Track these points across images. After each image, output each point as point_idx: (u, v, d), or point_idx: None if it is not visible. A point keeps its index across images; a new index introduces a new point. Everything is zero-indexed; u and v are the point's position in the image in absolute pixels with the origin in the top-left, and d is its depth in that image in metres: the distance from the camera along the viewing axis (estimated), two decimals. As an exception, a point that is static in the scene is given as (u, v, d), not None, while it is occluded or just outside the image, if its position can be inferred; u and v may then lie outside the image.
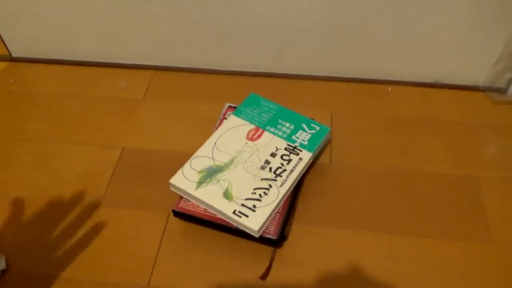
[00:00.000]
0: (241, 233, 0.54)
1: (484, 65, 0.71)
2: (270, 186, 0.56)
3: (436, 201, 0.60)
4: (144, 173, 0.64)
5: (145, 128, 0.70)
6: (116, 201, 0.61)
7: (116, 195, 0.61)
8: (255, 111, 0.65)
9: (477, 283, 0.52)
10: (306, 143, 0.61)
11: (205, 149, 0.60)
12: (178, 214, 0.57)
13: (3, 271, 0.54)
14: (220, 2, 0.69)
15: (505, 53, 0.68)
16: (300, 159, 0.59)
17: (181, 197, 0.58)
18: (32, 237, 0.57)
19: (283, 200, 0.56)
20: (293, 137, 0.62)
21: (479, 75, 0.72)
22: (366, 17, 0.68)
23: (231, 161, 0.59)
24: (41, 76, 0.79)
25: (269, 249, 0.55)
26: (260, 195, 0.55)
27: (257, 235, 0.53)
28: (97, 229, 0.58)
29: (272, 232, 0.54)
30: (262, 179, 0.57)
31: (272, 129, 0.63)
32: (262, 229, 0.54)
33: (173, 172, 0.58)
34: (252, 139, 0.62)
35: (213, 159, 0.59)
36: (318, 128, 0.63)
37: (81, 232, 0.57)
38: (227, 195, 0.55)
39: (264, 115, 0.65)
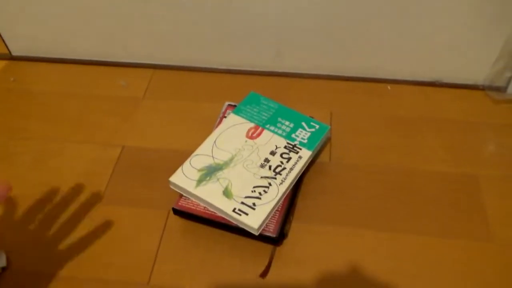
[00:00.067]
0: (241, 231, 0.54)
1: (483, 64, 0.71)
2: (270, 184, 0.56)
3: (436, 200, 0.60)
4: (144, 172, 0.64)
5: (145, 127, 0.70)
6: (116, 199, 0.61)
7: (116, 194, 0.61)
8: (255, 109, 0.66)
9: (477, 281, 0.52)
10: (305, 141, 0.61)
11: (205, 147, 0.60)
12: (178, 212, 0.57)
13: (4, 268, 0.54)
14: (220, 2, 0.69)
15: (504, 52, 0.68)
16: (300, 157, 0.59)
17: (181, 195, 0.58)
18: (32, 235, 0.57)
19: (283, 198, 0.56)
20: (293, 136, 0.62)
21: (479, 74, 0.72)
22: (366, 17, 0.68)
23: (231, 159, 0.59)
24: (41, 75, 0.79)
25: (268, 247, 0.55)
26: (259, 193, 0.55)
27: (256, 233, 0.53)
28: (97, 227, 0.58)
29: (271, 230, 0.54)
30: (261, 177, 0.57)
31: (272, 128, 0.63)
32: (262, 227, 0.54)
33: (173, 170, 0.58)
34: (251, 138, 0.62)
35: (213, 157, 0.59)
36: (317, 126, 0.64)
37: (81, 231, 0.57)
38: (226, 193, 0.55)
39: (263, 113, 0.65)
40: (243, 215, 0.53)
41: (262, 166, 0.58)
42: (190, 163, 0.58)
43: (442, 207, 0.59)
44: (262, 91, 0.69)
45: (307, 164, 0.60)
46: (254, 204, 0.54)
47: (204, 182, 0.56)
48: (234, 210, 0.54)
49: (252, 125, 0.63)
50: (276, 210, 0.56)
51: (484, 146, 0.66)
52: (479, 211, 0.58)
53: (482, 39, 0.68)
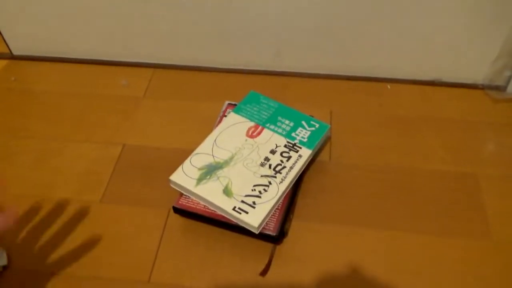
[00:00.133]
0: (241, 230, 0.55)
1: (483, 63, 0.71)
2: (270, 183, 0.57)
3: (436, 199, 0.60)
4: (145, 170, 0.64)
5: (146, 126, 0.70)
6: (117, 198, 0.61)
7: (117, 192, 0.62)
8: (255, 108, 0.66)
9: (476, 280, 0.52)
10: (305, 140, 0.62)
11: (205, 146, 0.61)
12: (178, 210, 0.57)
13: (5, 267, 0.54)
14: (220, 2, 0.70)
15: (503, 51, 0.68)
16: (300, 156, 0.60)
17: (181, 194, 0.58)
18: (33, 234, 0.57)
19: (283, 197, 0.57)
20: (293, 134, 0.62)
21: (478, 73, 0.73)
22: (366, 17, 0.68)
23: (231, 158, 0.59)
24: (42, 74, 0.79)
25: (269, 246, 0.55)
26: (259, 191, 0.56)
27: (256, 232, 0.53)
28: (98, 225, 0.58)
29: (271, 229, 0.54)
30: (261, 176, 0.57)
31: (272, 127, 0.63)
32: (262, 226, 0.54)
33: (173, 169, 0.58)
34: (252, 136, 0.62)
35: (213, 156, 0.59)
36: (317, 125, 0.64)
37: (81, 229, 0.58)
38: (227, 191, 0.56)
39: (264, 112, 0.65)
40: (243, 213, 0.53)
41: (262, 164, 0.59)
42: (190, 162, 0.59)
43: (441, 206, 0.59)
44: (262, 90, 0.69)
45: (307, 163, 0.60)
46: (254, 202, 0.54)
47: (204, 181, 0.57)
48: (234, 209, 0.54)
49: (252, 124, 0.64)
50: (276, 209, 0.56)
51: (483, 145, 0.66)
52: (478, 210, 0.58)
53: (481, 38, 0.68)
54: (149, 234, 0.57)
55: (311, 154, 0.61)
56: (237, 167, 0.58)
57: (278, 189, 0.56)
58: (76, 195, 0.61)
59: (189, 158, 0.59)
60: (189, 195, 0.57)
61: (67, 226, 0.58)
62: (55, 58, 0.81)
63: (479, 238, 0.56)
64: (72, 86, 0.77)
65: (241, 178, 0.57)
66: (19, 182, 0.63)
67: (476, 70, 0.72)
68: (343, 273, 0.53)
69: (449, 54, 0.71)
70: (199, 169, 0.58)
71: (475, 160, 0.64)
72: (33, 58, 0.82)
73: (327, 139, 0.67)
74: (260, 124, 0.63)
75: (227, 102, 0.69)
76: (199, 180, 0.57)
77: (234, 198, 0.55)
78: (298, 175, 0.59)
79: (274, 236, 0.54)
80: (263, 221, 0.53)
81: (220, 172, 0.57)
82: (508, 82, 0.71)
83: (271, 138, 0.62)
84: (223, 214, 0.55)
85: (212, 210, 0.56)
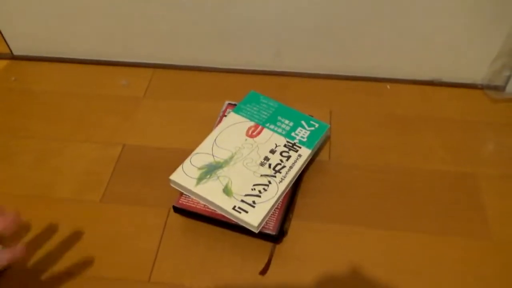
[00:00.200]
0: (241, 229, 0.55)
1: (482, 63, 0.71)
2: (270, 182, 0.57)
3: (435, 199, 0.60)
4: (145, 170, 0.64)
5: (146, 126, 0.70)
6: (117, 197, 0.61)
7: (117, 192, 0.62)
8: (255, 108, 0.66)
9: (476, 280, 0.52)
10: (305, 140, 0.62)
11: (205, 146, 0.61)
12: (178, 210, 0.57)
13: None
14: (220, 2, 0.70)
15: (503, 51, 0.68)
16: (299, 155, 0.60)
17: (181, 193, 0.58)
18: (33, 233, 0.57)
19: (282, 196, 0.57)
20: (292, 134, 0.62)
21: (477, 73, 0.73)
22: (366, 17, 0.68)
23: (231, 157, 0.59)
24: (42, 74, 0.79)
25: (268, 245, 0.55)
26: (259, 191, 0.56)
27: (256, 231, 0.53)
28: (98, 225, 0.58)
29: (271, 228, 0.55)
30: (261, 176, 0.57)
31: (272, 126, 0.63)
32: (262, 225, 0.54)
33: (173, 169, 0.58)
34: (251, 136, 0.62)
35: (213, 155, 0.59)
36: (317, 125, 0.64)
37: (82, 229, 0.58)
38: (226, 191, 0.56)
39: (263, 112, 0.65)
40: (243, 213, 0.53)
41: (262, 164, 0.59)
42: (190, 162, 0.59)
43: (441, 206, 0.59)
44: (262, 90, 0.69)
45: (306, 163, 0.60)
46: (254, 202, 0.55)
47: (204, 180, 0.57)
48: (234, 208, 0.54)
49: (252, 123, 0.64)
50: (276, 208, 0.56)
51: (483, 145, 0.66)
52: (478, 210, 0.58)
53: (481, 38, 0.69)
54: (149, 234, 0.57)
55: (310, 153, 0.61)
56: (237, 166, 0.58)
57: (277, 188, 0.56)
58: (76, 195, 0.61)
59: (189, 158, 0.59)
60: (189, 195, 0.57)
61: (67, 226, 0.58)
62: (55, 58, 0.81)
63: (479, 238, 0.56)
64: (72, 86, 0.77)
65: (241, 177, 0.57)
66: (19, 182, 0.63)
67: (475, 70, 0.72)
68: (342, 273, 0.53)
69: (449, 54, 0.71)
70: (199, 168, 0.58)
71: (475, 160, 0.64)
72: (33, 58, 0.82)
73: (327, 139, 0.67)
74: (260, 124, 0.64)
75: (227, 102, 0.69)
76: (199, 179, 0.57)
77: (234, 197, 0.55)
78: (298, 175, 0.59)
79: (274, 235, 0.54)
80: (262, 220, 0.54)
81: (220, 172, 0.58)
82: (507, 82, 0.71)
83: (270, 138, 0.62)
84: (223, 214, 0.55)
85: (212, 210, 0.56)
